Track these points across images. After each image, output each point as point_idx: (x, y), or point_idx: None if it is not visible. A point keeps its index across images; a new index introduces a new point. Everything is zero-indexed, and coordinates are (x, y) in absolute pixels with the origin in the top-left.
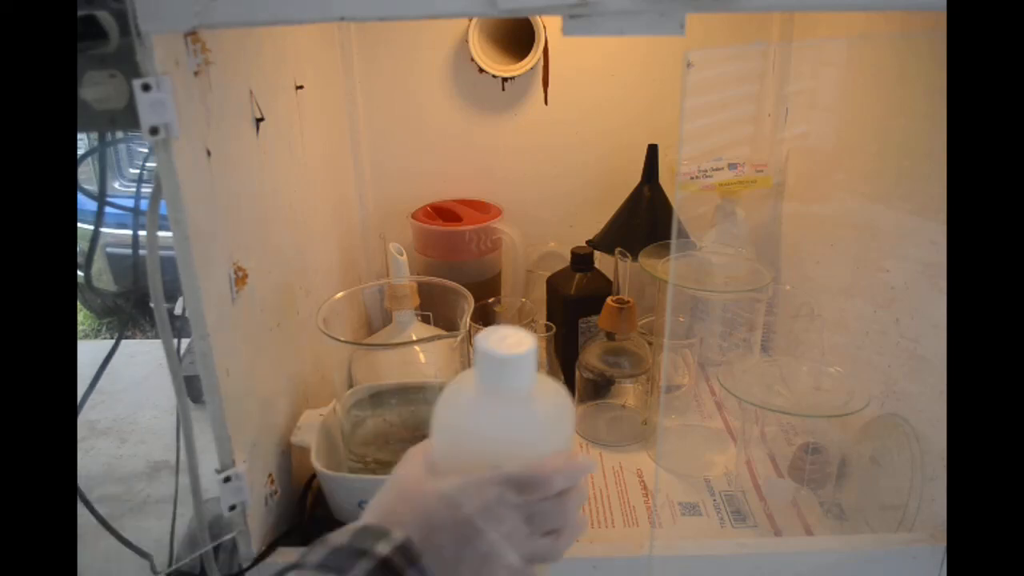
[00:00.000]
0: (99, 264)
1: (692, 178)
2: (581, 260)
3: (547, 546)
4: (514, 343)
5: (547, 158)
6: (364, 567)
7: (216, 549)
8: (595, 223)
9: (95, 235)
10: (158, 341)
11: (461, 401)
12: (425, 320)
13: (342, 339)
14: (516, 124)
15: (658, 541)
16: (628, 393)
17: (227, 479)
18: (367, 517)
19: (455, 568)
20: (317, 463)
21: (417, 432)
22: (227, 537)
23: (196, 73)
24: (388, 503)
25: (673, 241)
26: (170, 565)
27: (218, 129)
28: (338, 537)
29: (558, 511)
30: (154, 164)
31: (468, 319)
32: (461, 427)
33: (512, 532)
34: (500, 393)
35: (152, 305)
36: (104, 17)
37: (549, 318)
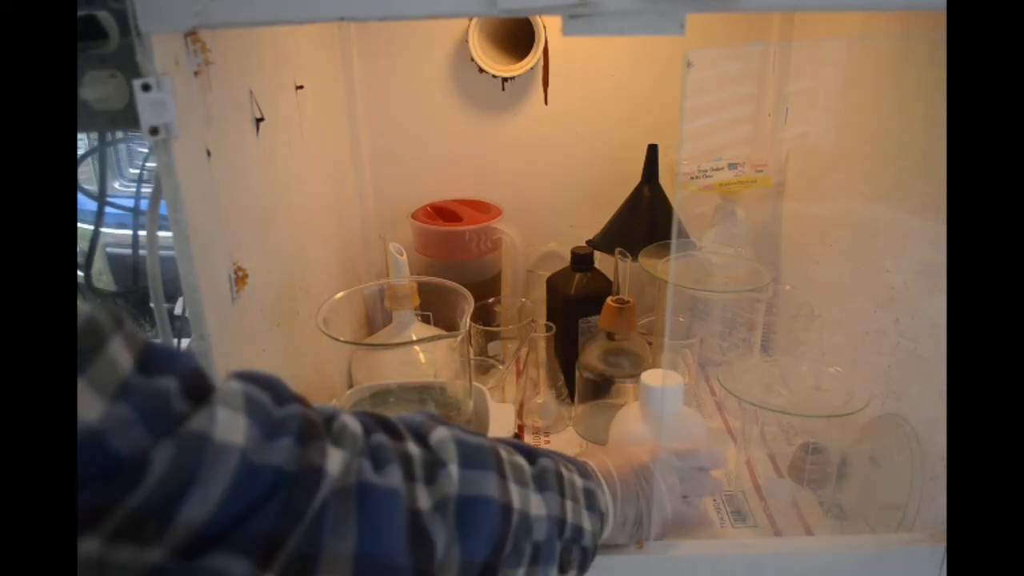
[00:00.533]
0: (99, 264)
1: (692, 178)
2: (581, 260)
3: (683, 507)
4: (668, 381)
5: (547, 158)
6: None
7: None
8: (595, 223)
9: (95, 235)
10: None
11: (629, 420)
12: (425, 320)
13: (342, 339)
14: (516, 124)
15: (657, 540)
16: (628, 393)
17: None
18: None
19: (634, 501)
20: None
21: None
22: None
23: (196, 73)
24: (598, 452)
25: (674, 241)
26: None
27: (218, 129)
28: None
29: (697, 480)
30: (154, 164)
31: (468, 319)
32: (631, 438)
33: (671, 486)
34: (657, 414)
35: (152, 305)
36: (104, 17)
37: (549, 318)
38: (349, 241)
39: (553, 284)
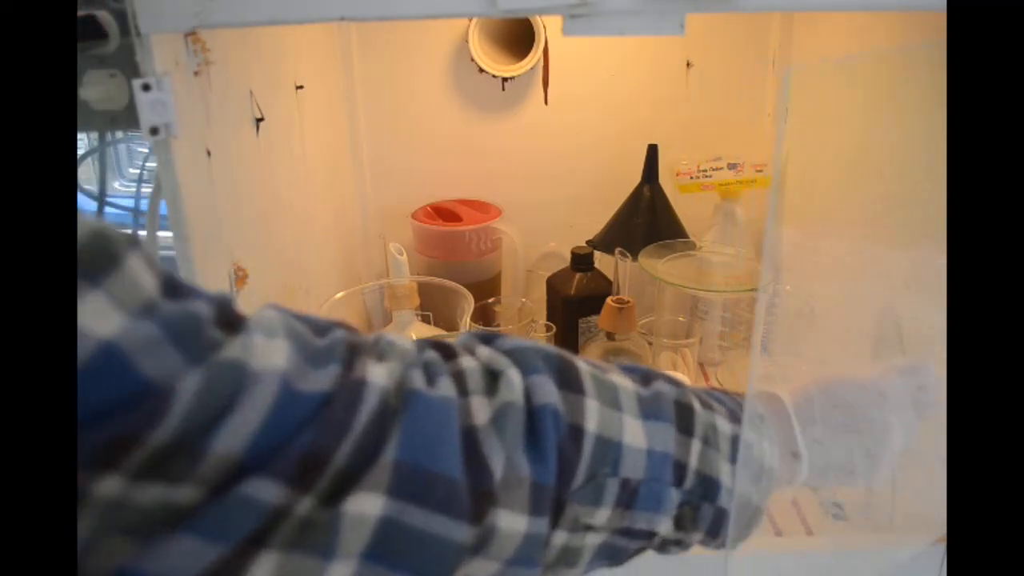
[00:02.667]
0: None
1: (692, 178)
2: (581, 260)
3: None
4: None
5: (547, 158)
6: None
7: None
8: (595, 223)
9: None
10: None
11: None
12: (425, 320)
13: None
14: (516, 124)
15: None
16: None
17: None
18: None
19: (848, 446)
20: None
21: None
22: None
23: (196, 73)
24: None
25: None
26: None
27: (218, 129)
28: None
29: (921, 403)
30: (154, 164)
31: (468, 319)
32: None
33: (908, 426)
34: None
35: None
36: (104, 17)
37: (549, 318)
38: (349, 241)
39: (553, 284)
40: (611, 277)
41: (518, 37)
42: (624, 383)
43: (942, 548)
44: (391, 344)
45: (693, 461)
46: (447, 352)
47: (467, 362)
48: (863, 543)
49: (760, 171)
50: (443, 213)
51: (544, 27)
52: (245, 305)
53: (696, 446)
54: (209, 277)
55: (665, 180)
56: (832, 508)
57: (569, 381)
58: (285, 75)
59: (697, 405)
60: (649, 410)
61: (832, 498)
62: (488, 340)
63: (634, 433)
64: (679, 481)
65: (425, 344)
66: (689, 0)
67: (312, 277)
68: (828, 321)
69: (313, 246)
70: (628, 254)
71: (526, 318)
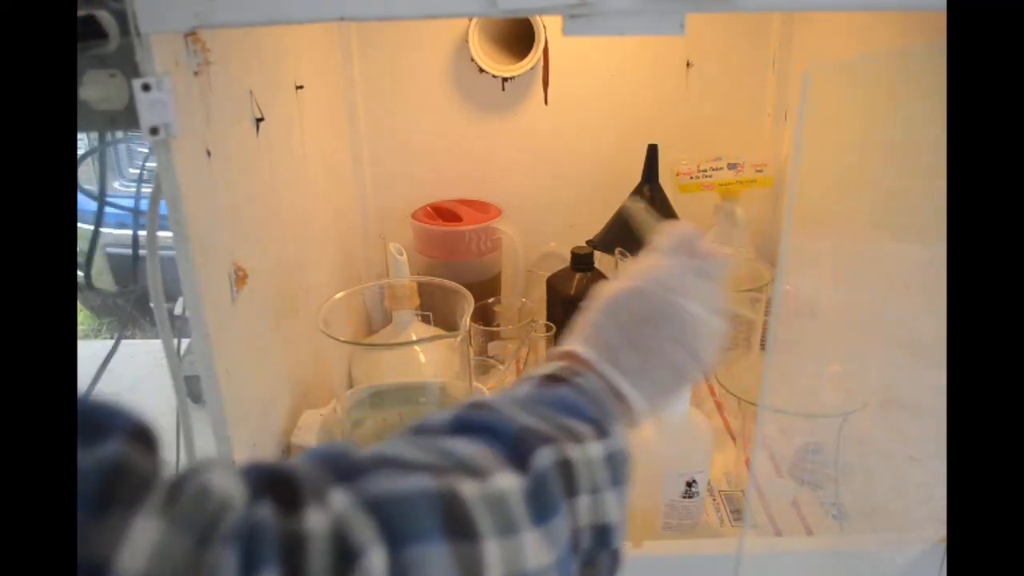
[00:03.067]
0: (99, 264)
1: (692, 178)
2: (581, 260)
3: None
4: None
5: (547, 158)
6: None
7: None
8: (595, 223)
9: (95, 235)
10: (158, 341)
11: None
12: (425, 320)
13: (342, 339)
14: (516, 124)
15: (657, 540)
16: None
17: None
18: (575, 342)
19: (659, 350)
20: None
21: None
22: None
23: (196, 73)
24: (593, 322)
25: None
26: None
27: (218, 129)
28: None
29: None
30: (154, 164)
31: (468, 319)
32: (635, 440)
33: (704, 296)
34: (664, 415)
35: (152, 305)
36: (104, 17)
37: (549, 318)
38: (349, 241)
39: (553, 284)
40: (611, 277)
41: (518, 37)
42: (505, 487)
43: (942, 548)
44: (203, 492)
45: (584, 520)
46: (287, 501)
47: (313, 523)
48: (863, 543)
49: (760, 171)
50: (443, 213)
51: (544, 27)
52: (245, 305)
53: (584, 502)
54: (209, 277)
55: (665, 180)
56: (832, 508)
57: (460, 526)
58: (285, 75)
59: (572, 451)
60: (540, 506)
61: (832, 498)
62: (349, 474)
63: (536, 551)
64: (576, 548)
65: (261, 482)
66: (689, 0)
67: (312, 277)
68: (828, 321)
69: (313, 246)
70: (628, 254)
71: (526, 318)
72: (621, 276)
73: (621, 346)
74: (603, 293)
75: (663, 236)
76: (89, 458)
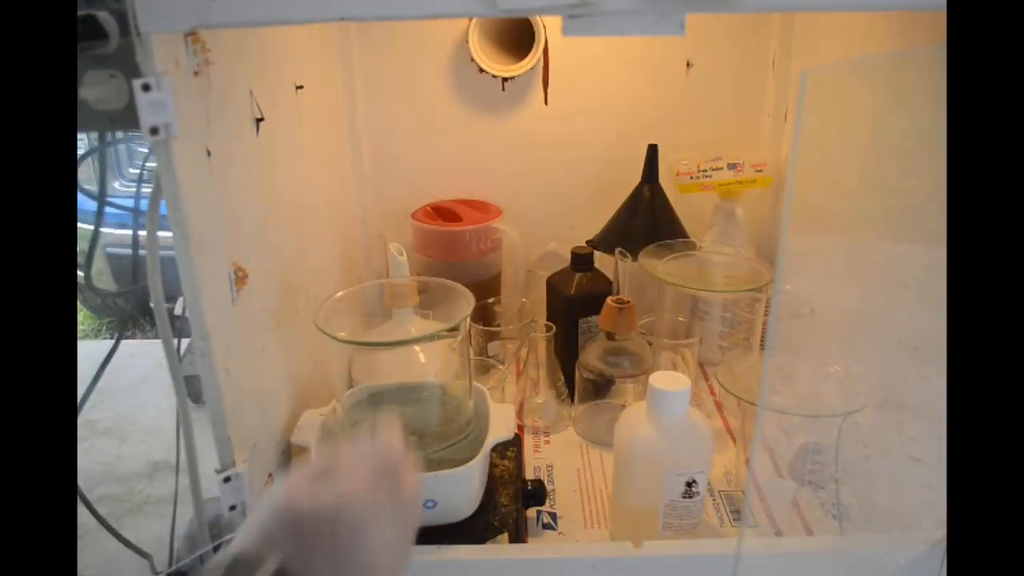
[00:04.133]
0: (99, 264)
1: (692, 178)
2: (581, 260)
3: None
4: (675, 383)
5: (547, 158)
6: None
7: (216, 549)
8: (595, 223)
9: (95, 235)
10: (158, 341)
11: (635, 421)
12: (425, 319)
13: (342, 339)
14: (516, 124)
15: (657, 540)
16: (628, 393)
17: (227, 479)
18: (241, 540)
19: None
20: None
21: (417, 432)
22: (227, 537)
23: (196, 73)
24: (264, 523)
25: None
26: (170, 565)
27: (218, 129)
28: (212, 572)
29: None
30: (154, 164)
31: (468, 319)
32: (638, 438)
33: (389, 538)
34: (664, 416)
35: (152, 305)
36: (104, 17)
37: (549, 318)
38: (349, 241)
39: (553, 284)
40: (611, 277)
41: (518, 37)
42: None
43: (942, 548)
44: None
45: None
46: None
47: None
48: (863, 543)
49: (760, 171)
50: (443, 213)
51: (544, 27)
52: (245, 305)
53: None
54: (209, 277)
55: (665, 180)
56: (832, 508)
57: None
58: (285, 75)
59: None
60: None
61: (832, 498)
62: None
63: None
64: None
65: None
66: (689, 0)
67: (312, 277)
68: (828, 321)
69: (313, 246)
70: (628, 254)
71: (526, 318)
72: (316, 476)
73: (293, 557)
74: (294, 496)
75: (379, 446)
76: None
